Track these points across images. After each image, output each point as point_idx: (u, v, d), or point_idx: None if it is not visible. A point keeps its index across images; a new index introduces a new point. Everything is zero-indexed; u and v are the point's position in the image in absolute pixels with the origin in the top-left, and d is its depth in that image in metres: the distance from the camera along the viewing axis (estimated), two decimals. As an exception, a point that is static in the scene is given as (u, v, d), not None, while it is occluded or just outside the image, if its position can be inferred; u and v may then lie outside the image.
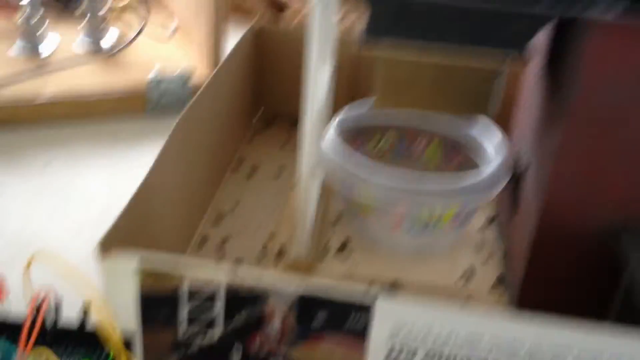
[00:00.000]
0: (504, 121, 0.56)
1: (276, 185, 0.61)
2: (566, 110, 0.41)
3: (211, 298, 0.35)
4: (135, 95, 0.69)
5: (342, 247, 0.53)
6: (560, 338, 0.33)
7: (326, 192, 0.57)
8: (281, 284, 0.34)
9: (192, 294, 0.35)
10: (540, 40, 0.49)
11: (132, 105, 0.69)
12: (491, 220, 0.57)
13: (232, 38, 0.65)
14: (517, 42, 0.41)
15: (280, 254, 0.51)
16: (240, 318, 0.36)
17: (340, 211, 0.56)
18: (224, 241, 0.53)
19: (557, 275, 0.46)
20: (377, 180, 0.48)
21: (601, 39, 0.38)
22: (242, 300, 0.35)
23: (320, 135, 0.49)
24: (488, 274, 0.51)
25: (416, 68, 0.43)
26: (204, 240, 0.53)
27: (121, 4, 0.75)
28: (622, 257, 0.41)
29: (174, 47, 0.77)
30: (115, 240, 0.36)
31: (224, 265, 0.35)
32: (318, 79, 0.44)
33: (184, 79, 0.70)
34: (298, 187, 0.47)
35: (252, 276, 0.35)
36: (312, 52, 0.42)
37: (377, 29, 0.42)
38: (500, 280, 0.51)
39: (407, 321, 0.34)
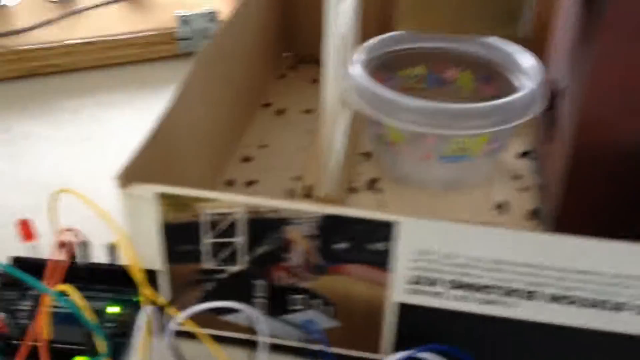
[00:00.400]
0: (541, 47, 0.54)
1: (305, 124, 0.59)
2: (601, 24, 0.39)
3: (232, 226, 0.35)
4: (165, 36, 0.68)
5: (372, 184, 0.52)
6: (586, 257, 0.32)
7: (355, 128, 0.55)
8: (301, 210, 0.34)
9: (213, 223, 0.35)
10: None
11: (162, 46, 0.68)
12: (527, 153, 0.55)
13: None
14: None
15: (308, 195, 0.50)
16: (263, 247, 0.35)
17: (370, 148, 0.55)
18: (250, 183, 0.52)
19: (595, 202, 0.44)
20: (405, 110, 0.46)
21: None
22: (264, 228, 0.34)
23: (343, 66, 0.47)
24: (523, 206, 0.50)
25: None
26: (230, 182, 0.52)
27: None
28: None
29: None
30: (136, 173, 0.36)
31: (244, 195, 0.34)
32: (339, 8, 0.42)
33: (212, 15, 0.68)
34: (323, 122, 0.45)
35: (272, 203, 0.34)
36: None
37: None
38: (536, 213, 0.49)
39: (431, 244, 0.33)
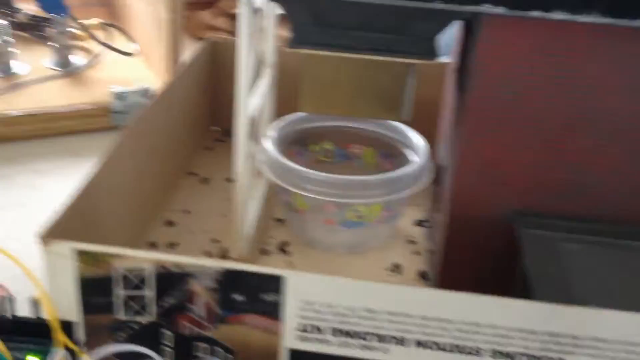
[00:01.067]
0: (431, 127, 0.61)
1: (227, 192, 0.64)
2: (468, 104, 0.45)
3: (142, 281, 0.39)
4: (100, 110, 0.73)
5: (283, 246, 0.57)
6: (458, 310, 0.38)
7: (269, 196, 0.61)
8: (202, 265, 0.38)
9: (125, 278, 0.39)
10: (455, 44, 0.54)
11: (96, 119, 0.73)
12: (422, 222, 0.62)
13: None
14: (422, 45, 0.45)
15: (224, 257, 0.55)
16: (169, 299, 0.40)
17: (282, 214, 0.60)
18: (171, 245, 0.57)
19: (470, 267, 0.50)
20: (307, 181, 0.52)
21: (490, 38, 0.43)
22: (170, 282, 0.39)
23: (256, 142, 0.53)
24: (414, 267, 0.56)
25: (334, 72, 0.48)
26: (152, 244, 0.56)
27: (87, 23, 0.80)
28: (518, 247, 0.45)
29: (136, 66, 0.81)
30: (57, 231, 0.40)
31: (153, 252, 0.39)
32: (249, 97, 0.48)
33: (146, 91, 0.74)
34: (236, 192, 0.51)
35: (176, 259, 0.39)
36: (241, 58, 0.47)
37: (299, 39, 0.46)
38: (424, 275, 0.55)
39: (313, 295, 0.38)
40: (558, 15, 0.40)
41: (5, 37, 0.76)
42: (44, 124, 0.71)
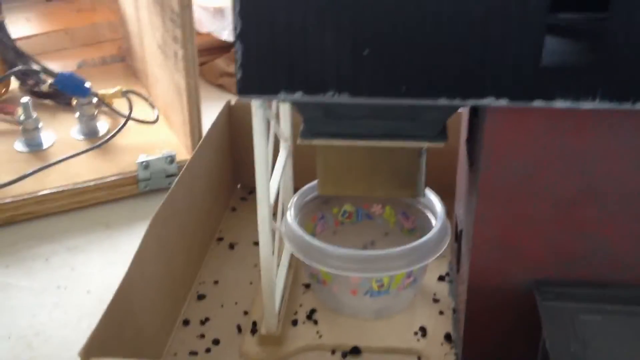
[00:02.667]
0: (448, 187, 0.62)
1: (254, 257, 0.66)
2: (478, 182, 0.46)
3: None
4: (127, 179, 0.75)
5: (311, 314, 0.59)
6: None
7: (296, 261, 0.62)
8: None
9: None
10: (464, 119, 0.55)
11: (124, 189, 0.76)
12: (444, 277, 0.62)
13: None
14: (431, 130, 0.47)
15: (254, 331, 0.57)
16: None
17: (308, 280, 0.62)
18: (203, 322, 0.58)
19: (492, 332, 0.51)
20: (330, 257, 0.54)
21: (496, 121, 0.44)
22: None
23: (274, 220, 0.55)
24: (440, 330, 0.57)
25: (349, 155, 0.49)
26: (186, 322, 0.58)
27: (110, 93, 0.82)
28: (540, 320, 0.46)
29: (159, 130, 0.83)
30: (98, 342, 0.42)
31: None
32: (271, 176, 0.50)
33: (171, 158, 0.76)
34: (262, 266, 0.52)
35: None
36: (257, 151, 0.48)
37: (310, 131, 0.48)
38: (449, 337, 0.56)
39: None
40: (560, 104, 0.40)
41: (32, 114, 0.79)
42: (74, 199, 0.73)
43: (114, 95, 0.81)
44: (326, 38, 0.40)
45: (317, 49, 0.40)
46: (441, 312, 0.58)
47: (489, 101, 0.41)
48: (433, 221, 0.58)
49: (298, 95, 0.42)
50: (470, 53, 0.40)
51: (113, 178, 0.75)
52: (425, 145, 0.47)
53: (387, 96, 0.42)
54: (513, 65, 0.40)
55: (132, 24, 0.95)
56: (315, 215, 0.63)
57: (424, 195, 0.51)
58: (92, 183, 0.74)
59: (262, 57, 0.41)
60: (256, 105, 0.46)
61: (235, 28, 0.40)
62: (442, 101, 0.41)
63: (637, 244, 0.47)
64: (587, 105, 0.40)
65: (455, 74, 0.40)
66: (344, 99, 0.42)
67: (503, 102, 0.41)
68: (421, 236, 0.58)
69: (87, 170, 0.76)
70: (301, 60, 0.41)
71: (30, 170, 0.72)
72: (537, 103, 0.41)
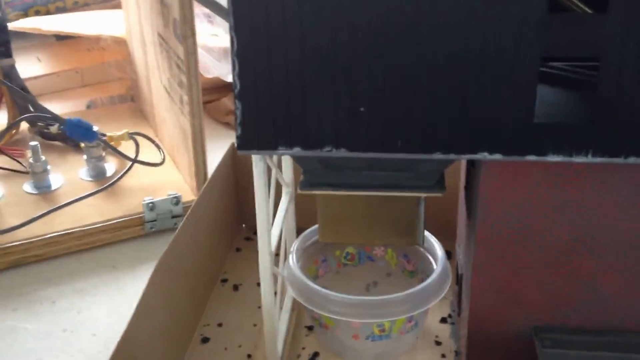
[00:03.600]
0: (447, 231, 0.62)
1: (258, 299, 0.65)
2: (475, 232, 0.47)
3: None
4: (133, 221, 0.76)
5: (313, 358, 0.59)
6: None
7: (297, 307, 0.63)
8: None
9: None
10: (463, 164, 0.55)
11: (130, 230, 0.76)
12: (446, 319, 0.63)
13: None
14: (429, 181, 0.47)
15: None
16: None
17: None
18: (208, 364, 0.59)
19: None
20: (332, 302, 0.54)
21: (491, 173, 0.45)
22: None
23: (275, 264, 0.55)
24: (442, 373, 0.57)
25: (348, 204, 0.50)
26: (191, 365, 0.59)
27: (117, 136, 0.83)
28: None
29: (165, 171, 0.84)
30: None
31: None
32: (272, 226, 0.50)
33: (175, 200, 0.77)
34: (263, 312, 0.53)
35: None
36: (259, 204, 0.49)
37: (310, 182, 0.48)
38: (451, 379, 0.56)
39: None
40: (553, 158, 0.41)
41: (41, 157, 0.80)
42: (81, 240, 0.74)
43: (121, 137, 0.82)
44: (323, 96, 0.41)
45: (314, 107, 0.41)
46: (443, 355, 0.58)
47: (483, 156, 0.42)
48: (434, 264, 0.58)
49: (296, 150, 0.43)
50: (464, 110, 0.40)
51: (120, 220, 0.76)
52: (422, 195, 0.48)
53: (383, 151, 0.42)
54: (506, 122, 0.40)
55: (139, 65, 0.96)
56: (317, 258, 0.63)
57: (423, 243, 0.51)
58: (99, 225, 0.75)
59: (260, 115, 0.42)
60: (256, 159, 0.47)
61: (234, 88, 0.41)
62: (437, 155, 0.42)
63: (633, 293, 0.47)
64: (579, 160, 0.41)
65: (449, 129, 0.41)
66: (341, 153, 0.43)
67: (497, 157, 0.42)
68: (422, 278, 0.58)
69: (94, 212, 0.77)
70: (299, 118, 0.42)
71: (38, 214, 0.73)
72: (530, 157, 0.41)
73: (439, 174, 0.47)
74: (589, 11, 0.42)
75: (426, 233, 0.60)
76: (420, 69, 0.40)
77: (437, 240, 0.59)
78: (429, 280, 0.55)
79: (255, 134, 0.42)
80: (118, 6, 1.09)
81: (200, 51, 0.93)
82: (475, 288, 0.48)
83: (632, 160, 0.40)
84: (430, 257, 0.60)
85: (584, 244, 0.46)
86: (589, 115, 0.41)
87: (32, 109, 0.88)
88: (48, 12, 1.30)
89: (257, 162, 0.47)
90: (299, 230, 0.63)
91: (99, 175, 0.83)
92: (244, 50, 0.40)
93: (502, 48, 0.38)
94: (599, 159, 0.41)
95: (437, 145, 0.42)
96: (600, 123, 0.40)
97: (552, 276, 0.47)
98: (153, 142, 0.84)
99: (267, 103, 0.42)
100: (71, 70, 1.16)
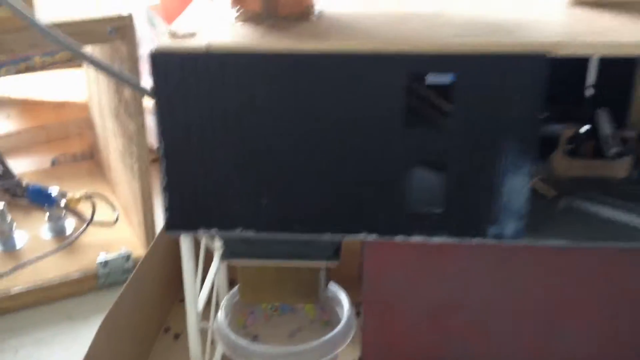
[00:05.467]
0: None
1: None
2: (363, 294, 0.56)
3: None
4: (88, 276, 0.84)
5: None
6: None
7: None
8: None
9: None
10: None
11: (86, 284, 0.84)
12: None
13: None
14: (327, 252, 0.56)
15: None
16: None
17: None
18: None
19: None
20: (253, 354, 0.62)
21: (372, 249, 0.53)
22: None
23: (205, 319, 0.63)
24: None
25: (262, 271, 0.58)
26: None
27: (76, 198, 0.91)
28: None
29: (120, 228, 0.92)
30: None
31: None
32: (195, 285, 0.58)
33: (126, 257, 0.84)
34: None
35: None
36: (187, 280, 0.57)
37: (229, 253, 0.56)
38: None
39: None
40: (417, 238, 0.50)
41: (7, 218, 0.87)
42: (42, 294, 0.81)
43: (80, 199, 0.90)
44: (235, 190, 0.49)
45: (228, 198, 0.50)
46: (351, 395, 0.67)
47: (363, 236, 0.51)
48: (340, 315, 0.67)
49: (214, 231, 0.51)
50: (346, 201, 0.49)
51: (76, 275, 0.83)
52: (321, 265, 0.56)
53: (283, 232, 0.51)
54: (380, 210, 0.49)
55: (99, 129, 1.04)
56: (245, 311, 0.71)
57: (321, 301, 0.59)
58: (57, 280, 0.82)
59: (184, 204, 0.50)
60: (182, 237, 0.55)
61: (162, 181, 0.50)
62: (326, 236, 0.51)
63: (493, 343, 0.56)
64: (437, 239, 0.50)
65: (335, 216, 0.50)
66: (250, 234, 0.51)
67: (373, 237, 0.50)
68: (334, 328, 0.67)
69: (53, 267, 0.84)
70: (215, 206, 0.50)
71: (3, 271, 0.80)
72: (399, 238, 0.50)
73: (335, 247, 0.56)
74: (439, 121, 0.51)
75: (335, 287, 0.69)
76: (310, 171, 0.48)
77: (345, 294, 0.68)
78: (334, 331, 0.63)
79: (180, 219, 0.51)
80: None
81: (151, 120, 1.01)
82: (364, 343, 0.57)
83: (476, 240, 0.50)
84: (338, 310, 0.68)
85: (453, 306, 0.55)
86: (444, 209, 0.50)
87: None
88: (18, 72, 1.37)
89: (184, 239, 0.55)
90: (231, 284, 0.71)
91: (59, 233, 0.90)
92: (169, 153, 0.49)
93: (371, 156, 0.48)
94: (451, 240, 0.50)
95: (326, 229, 0.50)
96: (450, 213, 0.49)
97: (428, 333, 0.56)
98: (108, 201, 0.92)
99: (189, 194, 0.50)
100: (38, 127, 1.23)
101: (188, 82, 0.46)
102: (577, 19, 0.49)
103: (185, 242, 0.55)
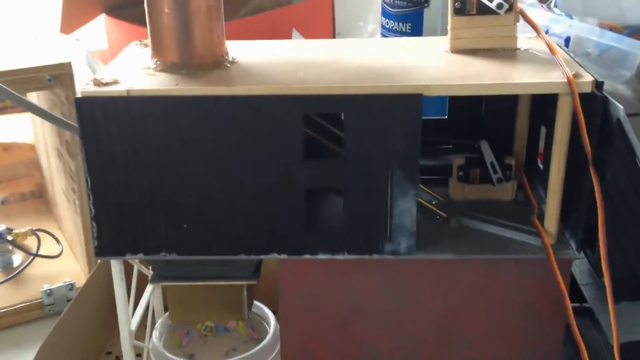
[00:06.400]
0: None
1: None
2: (279, 307, 0.61)
3: None
4: (34, 305, 0.87)
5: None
6: None
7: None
8: None
9: None
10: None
11: (32, 313, 0.87)
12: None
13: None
14: (247, 272, 0.61)
15: None
16: None
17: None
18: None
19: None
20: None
21: (286, 267, 0.59)
22: None
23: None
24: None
25: (190, 291, 0.63)
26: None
27: (22, 232, 0.94)
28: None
29: (65, 260, 0.96)
30: None
31: None
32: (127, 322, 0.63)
33: (70, 286, 0.88)
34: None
35: None
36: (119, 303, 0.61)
37: (158, 276, 0.61)
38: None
39: None
40: (322, 256, 0.56)
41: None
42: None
43: (26, 234, 0.94)
44: (156, 218, 0.55)
45: (150, 225, 0.55)
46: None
47: (274, 255, 0.56)
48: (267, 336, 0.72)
49: (140, 255, 0.56)
50: (257, 224, 0.55)
51: (22, 304, 0.86)
52: (243, 283, 0.61)
53: (203, 254, 0.56)
54: (287, 232, 0.55)
55: (45, 169, 1.08)
56: (181, 332, 0.76)
57: (247, 317, 0.64)
58: (4, 309, 0.85)
59: (111, 232, 0.55)
60: (113, 262, 0.59)
61: (90, 213, 0.55)
62: (242, 256, 0.56)
63: (396, 349, 0.61)
64: (340, 257, 0.56)
65: (248, 239, 0.55)
66: (174, 257, 0.56)
67: (284, 256, 0.56)
68: (264, 344, 0.72)
69: (1, 298, 0.87)
70: (140, 233, 0.55)
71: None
72: (306, 256, 0.56)
73: (255, 266, 0.61)
74: (339, 150, 0.57)
75: (263, 307, 0.74)
76: (222, 200, 0.54)
77: (271, 312, 0.73)
78: (261, 345, 0.68)
79: (108, 245, 0.55)
80: (30, 114, 1.20)
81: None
82: (283, 352, 0.62)
83: (375, 256, 0.56)
84: (266, 324, 0.73)
85: (358, 316, 0.60)
86: (343, 229, 0.55)
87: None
88: (-30, 115, 1.40)
89: (114, 263, 0.60)
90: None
91: (7, 266, 0.94)
92: (95, 187, 0.54)
93: (276, 185, 0.53)
94: (352, 256, 0.56)
95: (241, 249, 0.56)
96: (350, 233, 0.55)
97: (338, 341, 0.61)
98: (53, 236, 0.96)
99: (116, 223, 0.55)
100: (-14, 168, 1.26)
101: (110, 123, 0.51)
102: (451, 64, 0.56)
103: (115, 267, 0.60)
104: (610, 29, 1.08)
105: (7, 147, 1.33)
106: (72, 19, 1.23)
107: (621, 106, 0.49)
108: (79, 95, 0.51)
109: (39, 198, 1.17)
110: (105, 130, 0.51)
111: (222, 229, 0.55)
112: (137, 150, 0.52)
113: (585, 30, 1.06)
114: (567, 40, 1.07)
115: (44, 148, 1.03)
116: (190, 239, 0.55)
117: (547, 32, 1.07)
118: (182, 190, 0.54)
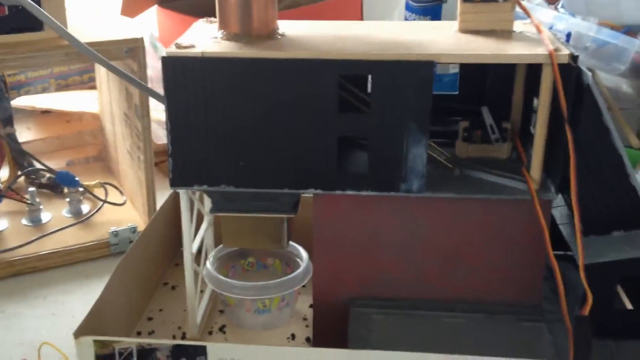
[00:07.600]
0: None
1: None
2: (314, 237, 0.73)
3: (130, 353, 0.65)
4: (101, 244, 1.01)
5: (222, 328, 0.83)
6: None
7: (213, 297, 0.87)
8: (161, 343, 0.65)
9: (120, 353, 0.65)
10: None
11: (99, 251, 1.00)
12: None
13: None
14: (287, 207, 0.73)
15: (183, 338, 0.81)
16: (146, 365, 0.66)
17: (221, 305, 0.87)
18: (150, 333, 0.83)
19: (333, 333, 0.76)
20: (232, 287, 0.79)
21: (320, 200, 0.71)
22: (145, 355, 0.65)
23: (198, 265, 0.80)
24: (303, 336, 0.82)
25: (241, 222, 0.75)
26: (138, 333, 0.82)
27: (92, 184, 1.08)
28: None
29: (127, 210, 1.09)
30: (82, 331, 0.66)
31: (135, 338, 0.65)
32: (192, 239, 0.76)
33: (133, 229, 1.01)
34: (187, 296, 0.77)
35: (147, 341, 0.65)
36: (184, 229, 0.74)
37: (216, 208, 0.74)
38: (308, 339, 0.81)
39: (227, 355, 0.64)
40: (350, 192, 0.68)
41: (36, 200, 1.04)
42: (64, 257, 0.98)
43: (95, 186, 1.07)
44: (218, 157, 0.67)
45: (214, 162, 0.67)
46: (307, 326, 0.83)
47: (311, 190, 0.68)
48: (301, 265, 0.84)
49: (204, 187, 0.69)
50: (297, 163, 0.67)
51: (91, 243, 1.00)
52: (283, 216, 0.74)
53: (254, 187, 0.69)
54: (321, 170, 0.67)
55: (109, 134, 1.22)
56: (228, 265, 0.88)
57: (287, 247, 0.77)
58: (76, 246, 0.99)
59: (183, 167, 0.68)
60: (182, 192, 0.72)
61: (168, 150, 0.67)
62: (285, 190, 0.69)
63: (408, 274, 0.73)
64: (364, 193, 0.68)
65: (291, 175, 0.68)
66: (231, 189, 0.69)
67: (319, 191, 0.68)
68: (296, 277, 0.84)
69: (73, 238, 1.01)
70: (205, 168, 0.68)
71: (34, 238, 0.97)
72: (337, 192, 0.68)
73: (294, 202, 0.73)
74: (364, 109, 0.70)
75: (297, 246, 0.86)
76: (270, 144, 0.66)
77: (303, 250, 0.85)
78: (294, 274, 0.81)
79: (179, 177, 0.68)
80: (93, 87, 1.35)
81: (154, 124, 1.19)
82: (315, 272, 0.74)
83: (392, 194, 0.68)
84: (299, 263, 0.85)
85: (377, 242, 0.72)
86: (367, 169, 0.68)
87: (27, 165, 1.12)
88: (36, 92, 1.55)
89: (183, 195, 0.72)
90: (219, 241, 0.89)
91: (77, 213, 1.07)
92: (173, 130, 0.66)
93: (314, 132, 0.66)
94: (375, 193, 0.68)
95: (284, 184, 0.68)
96: (373, 174, 0.67)
97: (360, 265, 0.73)
98: (117, 189, 1.09)
99: (187, 160, 0.67)
100: (54, 137, 1.40)
101: (187, 78, 0.64)
102: (458, 41, 0.68)
103: (183, 198, 0.72)
104: (611, 29, 1.19)
105: (71, 118, 1.47)
106: (131, 5, 1.37)
107: (590, 73, 0.61)
108: (164, 55, 0.64)
109: (100, 162, 1.31)
110: (183, 83, 0.64)
111: (271, 167, 0.67)
112: (206, 101, 0.65)
113: (584, 27, 1.17)
114: (568, 36, 1.18)
115: (110, 115, 1.16)
116: (245, 174, 0.68)
117: (551, 28, 1.18)
118: (241, 134, 0.66)
